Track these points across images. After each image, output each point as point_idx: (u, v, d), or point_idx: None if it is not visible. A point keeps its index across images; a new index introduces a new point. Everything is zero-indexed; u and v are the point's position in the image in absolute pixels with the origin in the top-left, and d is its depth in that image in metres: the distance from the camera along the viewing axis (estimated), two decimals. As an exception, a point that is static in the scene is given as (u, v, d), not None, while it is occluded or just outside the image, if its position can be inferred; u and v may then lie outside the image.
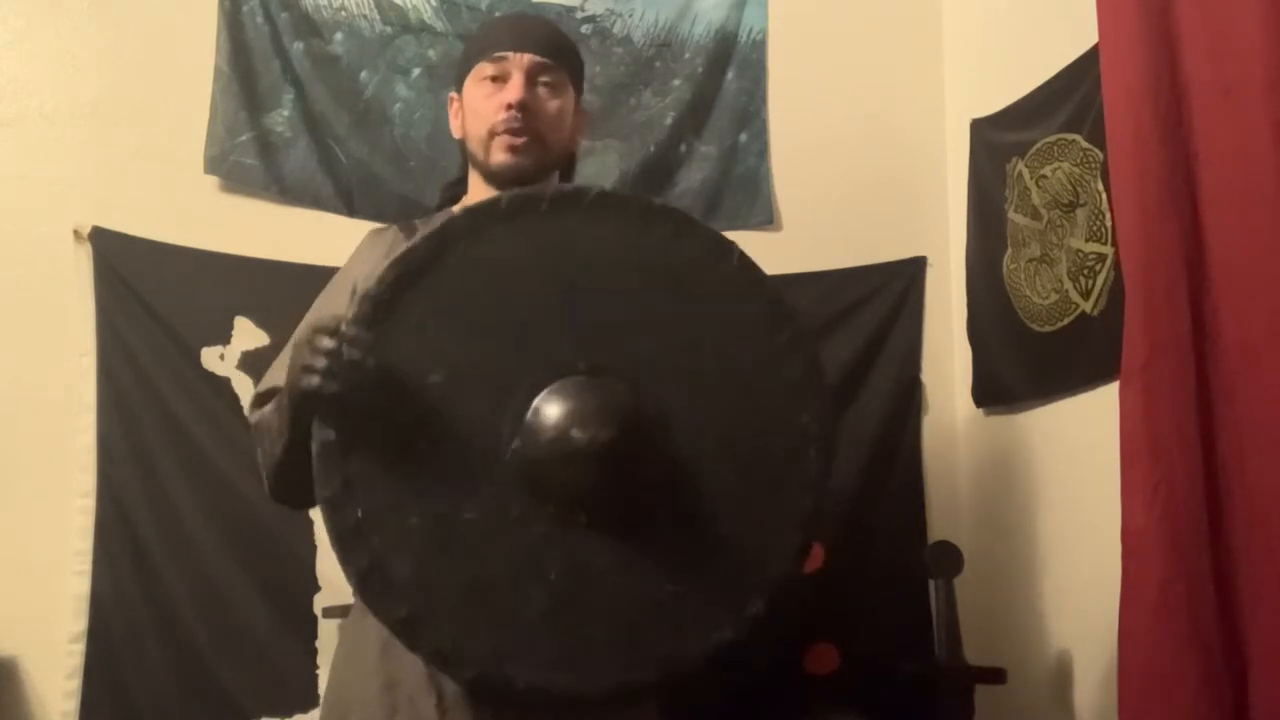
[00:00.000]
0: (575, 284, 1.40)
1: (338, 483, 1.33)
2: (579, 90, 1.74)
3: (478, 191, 1.73)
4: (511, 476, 1.36)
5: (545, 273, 1.40)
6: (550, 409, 1.36)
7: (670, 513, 1.41)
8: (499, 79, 1.64)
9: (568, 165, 1.87)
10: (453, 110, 1.75)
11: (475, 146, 1.69)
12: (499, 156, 1.65)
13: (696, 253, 1.43)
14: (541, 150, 1.65)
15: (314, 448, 1.34)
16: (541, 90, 1.65)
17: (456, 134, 1.75)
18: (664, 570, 1.39)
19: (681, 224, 1.44)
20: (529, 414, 1.37)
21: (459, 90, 1.74)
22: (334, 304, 1.73)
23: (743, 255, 1.45)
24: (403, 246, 1.71)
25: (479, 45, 1.71)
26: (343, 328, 1.33)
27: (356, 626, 1.57)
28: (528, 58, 1.64)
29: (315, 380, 1.33)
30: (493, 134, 1.65)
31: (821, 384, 1.47)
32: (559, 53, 1.68)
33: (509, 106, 1.62)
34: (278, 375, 1.71)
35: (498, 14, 2.70)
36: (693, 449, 1.41)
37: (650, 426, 1.39)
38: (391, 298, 1.35)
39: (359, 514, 1.33)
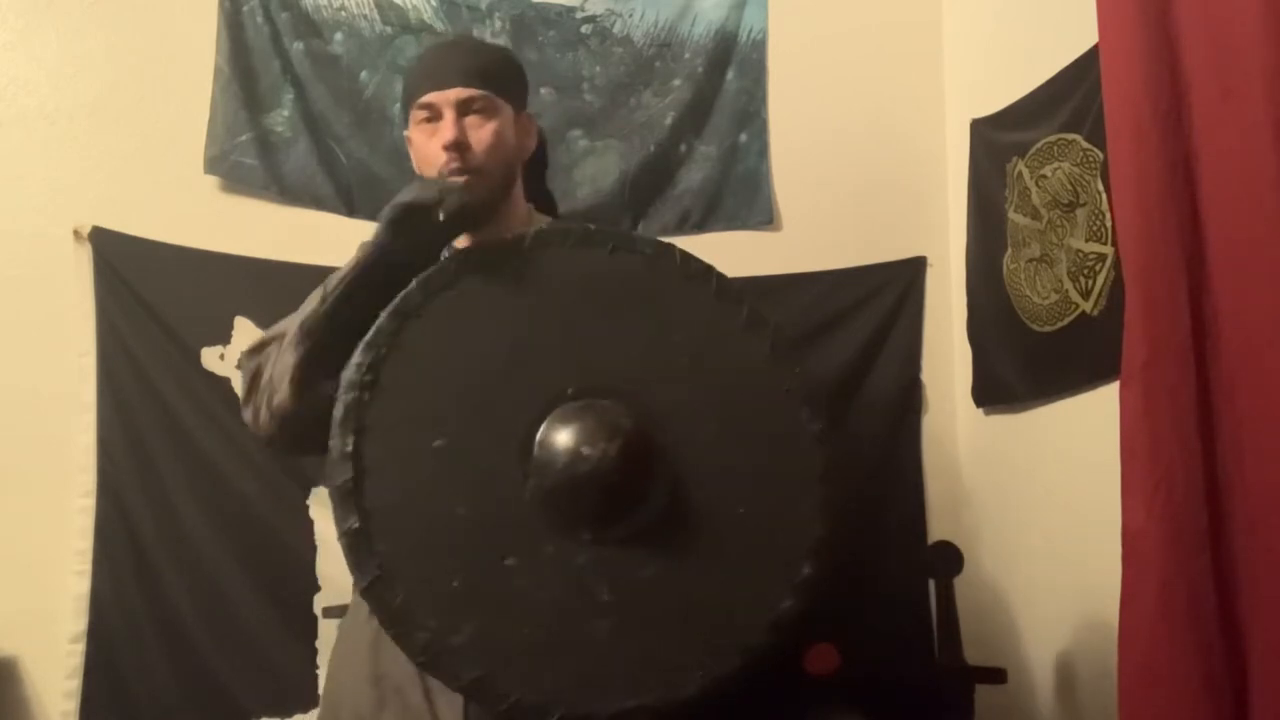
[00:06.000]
0: (541, 319, 1.46)
1: (373, 566, 1.35)
2: (519, 102, 1.75)
3: None
4: (537, 513, 1.39)
5: (509, 317, 1.45)
6: (554, 438, 1.40)
7: (694, 507, 1.44)
8: (433, 119, 1.68)
9: (538, 167, 1.88)
10: (411, 149, 1.77)
11: None
12: None
13: (640, 262, 1.51)
14: (486, 181, 1.67)
15: (340, 540, 1.36)
16: (473, 119, 1.67)
17: (417, 171, 1.77)
18: (709, 563, 1.42)
19: (619, 240, 1.53)
20: (535, 449, 1.40)
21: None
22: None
23: (684, 253, 1.52)
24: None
25: (409, 90, 1.73)
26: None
27: (350, 623, 1.59)
28: (453, 93, 1.66)
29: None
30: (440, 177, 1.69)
31: (789, 350, 1.52)
32: (483, 78, 1.69)
33: (446, 148, 1.65)
34: (279, 327, 1.72)
35: (497, 14, 2.71)
36: (695, 441, 1.45)
37: (650, 428, 1.42)
38: (373, 379, 1.38)
39: (402, 595, 1.34)
